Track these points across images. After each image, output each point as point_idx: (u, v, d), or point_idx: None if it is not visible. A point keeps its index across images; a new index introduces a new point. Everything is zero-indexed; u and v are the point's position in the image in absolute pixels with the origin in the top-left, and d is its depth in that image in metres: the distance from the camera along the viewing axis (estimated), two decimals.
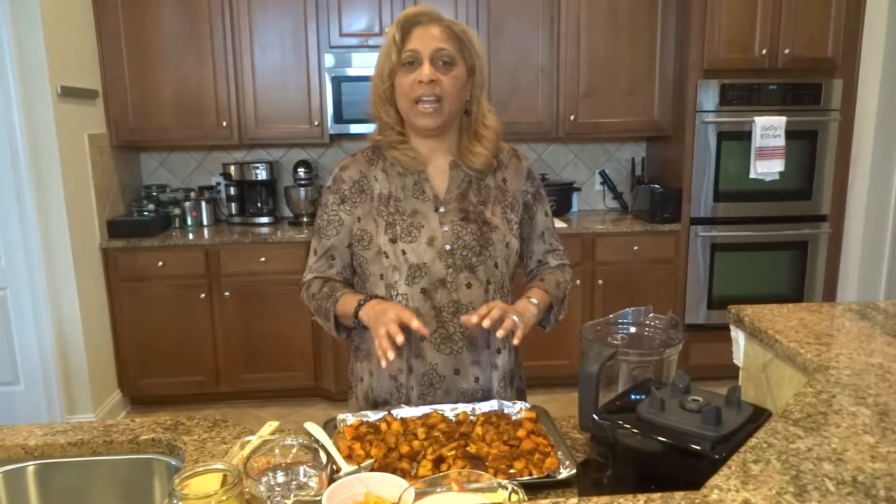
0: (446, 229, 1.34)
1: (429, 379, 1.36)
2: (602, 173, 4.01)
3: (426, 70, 1.27)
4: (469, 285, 1.34)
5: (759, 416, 0.92)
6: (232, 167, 3.72)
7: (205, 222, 3.76)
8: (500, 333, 1.23)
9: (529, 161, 1.49)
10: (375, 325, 1.23)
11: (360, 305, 1.30)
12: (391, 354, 1.17)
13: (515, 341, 1.24)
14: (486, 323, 1.21)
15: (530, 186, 1.45)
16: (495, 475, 0.94)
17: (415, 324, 1.20)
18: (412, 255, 1.32)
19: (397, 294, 1.34)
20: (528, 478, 1.00)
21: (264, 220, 3.73)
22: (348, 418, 1.21)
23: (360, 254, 1.37)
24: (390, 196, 1.36)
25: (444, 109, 1.30)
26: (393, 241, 1.33)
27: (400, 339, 1.17)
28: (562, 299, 1.44)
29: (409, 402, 1.36)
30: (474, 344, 1.36)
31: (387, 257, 1.33)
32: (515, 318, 1.24)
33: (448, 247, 1.33)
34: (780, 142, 3.39)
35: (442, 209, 1.35)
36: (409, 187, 1.36)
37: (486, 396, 1.37)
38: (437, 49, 1.28)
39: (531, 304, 1.33)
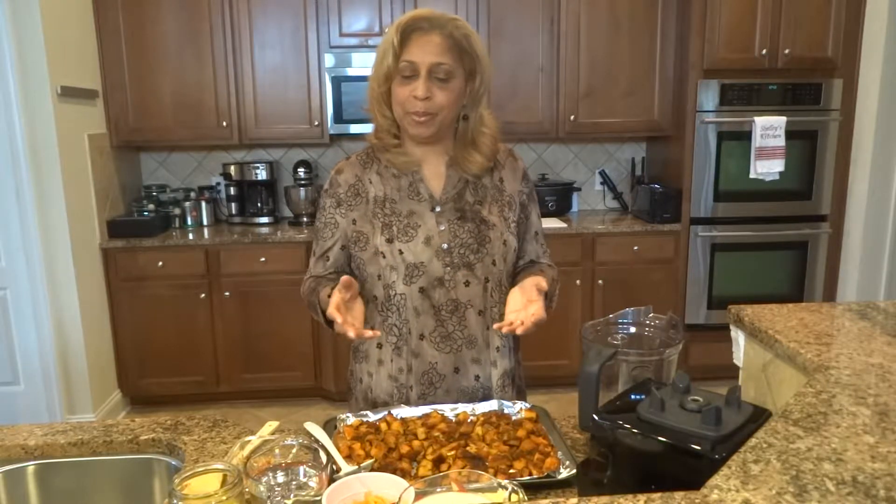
0: (443, 228, 1.34)
1: (429, 378, 1.36)
2: (602, 173, 4.01)
3: (421, 88, 1.26)
4: (467, 283, 1.34)
5: (759, 416, 0.92)
6: (232, 167, 3.72)
7: (205, 222, 3.76)
8: (496, 326, 1.26)
9: (523, 161, 1.49)
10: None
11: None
12: (368, 334, 1.19)
13: (519, 330, 1.22)
14: (519, 330, 1.22)
15: (525, 187, 1.45)
16: (495, 475, 0.94)
17: (344, 279, 1.19)
18: (409, 254, 1.32)
19: (395, 294, 1.34)
20: (528, 478, 1.00)
21: (264, 220, 3.73)
22: (348, 418, 1.21)
23: (358, 255, 1.38)
24: (385, 198, 1.36)
25: (437, 121, 1.30)
26: (389, 241, 1.33)
27: (339, 318, 1.15)
28: (552, 296, 1.44)
29: (408, 402, 1.36)
30: (474, 342, 1.36)
31: (384, 257, 1.33)
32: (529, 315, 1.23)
33: (445, 245, 1.33)
34: (780, 142, 3.39)
35: (438, 209, 1.35)
36: (405, 189, 1.37)
37: (487, 395, 1.38)
38: (435, 63, 1.26)
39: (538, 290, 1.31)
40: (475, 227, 1.35)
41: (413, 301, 1.33)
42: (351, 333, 1.17)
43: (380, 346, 1.38)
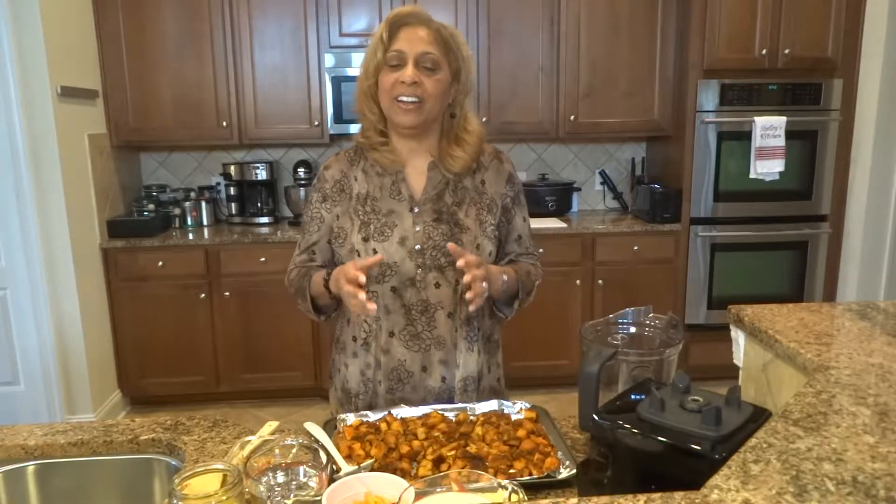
0: (418, 229, 1.36)
1: (397, 374, 1.39)
2: (602, 173, 4.01)
3: (409, 71, 1.29)
4: (437, 285, 1.36)
5: (759, 416, 0.92)
6: (232, 167, 3.72)
7: (205, 222, 3.76)
8: (471, 307, 1.25)
9: (512, 165, 1.49)
10: (340, 291, 1.26)
11: (326, 280, 1.33)
12: (371, 306, 1.20)
13: (472, 307, 1.24)
14: (466, 277, 1.22)
15: (510, 190, 1.45)
16: (495, 475, 0.94)
17: (370, 261, 1.23)
18: (382, 253, 1.34)
19: (367, 291, 1.34)
20: (528, 478, 1.00)
21: (264, 220, 3.73)
22: (348, 418, 1.21)
23: (337, 250, 1.41)
24: (368, 196, 1.39)
25: (425, 110, 1.32)
26: (365, 239, 1.36)
27: (362, 279, 1.18)
28: (529, 290, 1.44)
29: (376, 397, 1.40)
30: (442, 343, 1.38)
31: (358, 255, 1.36)
32: (485, 284, 1.25)
33: (418, 246, 1.35)
34: (780, 142, 3.39)
35: (416, 209, 1.37)
36: (387, 187, 1.39)
37: (452, 397, 1.39)
38: (423, 52, 1.30)
39: (502, 274, 1.34)
40: (449, 230, 1.36)
41: (384, 299, 1.36)
42: (362, 295, 1.18)
43: (354, 339, 1.42)
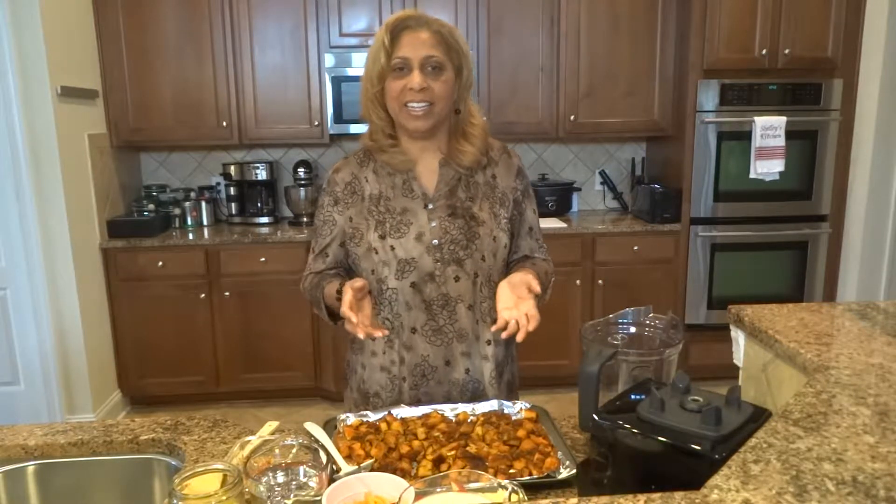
0: (434, 225, 1.37)
1: (421, 370, 1.39)
2: (602, 173, 4.01)
3: (416, 79, 1.30)
4: (457, 278, 1.37)
5: (759, 416, 0.92)
6: (232, 167, 3.72)
7: (205, 222, 3.76)
8: (493, 328, 1.26)
9: (520, 158, 1.51)
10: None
11: (338, 297, 1.31)
12: (378, 333, 1.23)
13: (520, 337, 1.23)
14: (519, 338, 1.23)
15: (520, 184, 1.47)
16: (495, 475, 0.94)
17: (358, 284, 1.22)
18: (400, 250, 1.35)
19: (387, 288, 1.37)
20: (528, 478, 1.00)
21: (264, 220, 3.73)
22: (348, 418, 1.21)
23: (353, 251, 1.42)
24: (381, 196, 1.40)
25: (435, 112, 1.34)
26: (382, 237, 1.36)
27: (353, 318, 1.19)
28: (546, 288, 1.45)
29: (401, 394, 1.40)
30: (464, 336, 1.39)
31: (376, 253, 1.36)
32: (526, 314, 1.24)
33: (436, 241, 1.36)
34: (780, 142, 3.39)
35: (431, 206, 1.38)
36: (399, 186, 1.40)
37: (476, 388, 1.40)
38: (427, 56, 1.31)
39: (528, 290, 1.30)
40: (465, 224, 1.38)
41: (404, 295, 1.37)
42: (360, 335, 1.21)
43: (373, 338, 1.41)
